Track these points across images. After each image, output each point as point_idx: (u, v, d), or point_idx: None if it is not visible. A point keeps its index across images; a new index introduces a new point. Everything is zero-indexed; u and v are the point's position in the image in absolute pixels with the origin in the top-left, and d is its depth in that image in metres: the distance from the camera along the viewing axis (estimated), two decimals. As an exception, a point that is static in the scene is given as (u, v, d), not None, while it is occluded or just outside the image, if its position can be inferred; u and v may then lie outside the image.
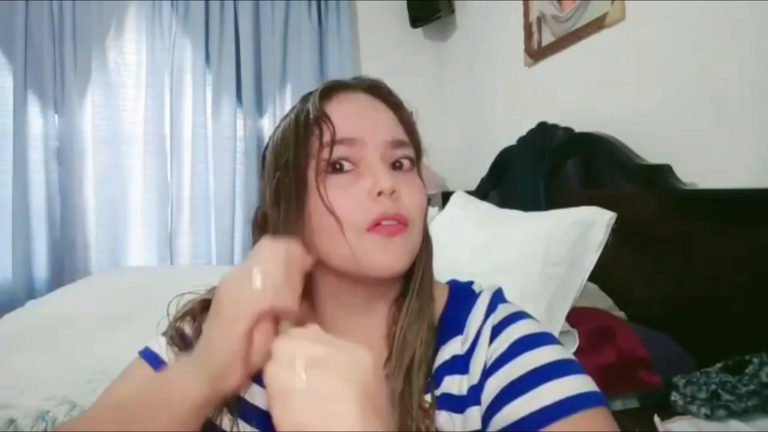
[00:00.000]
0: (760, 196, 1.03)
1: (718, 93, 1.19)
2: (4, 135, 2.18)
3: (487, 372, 0.46)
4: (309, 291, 0.54)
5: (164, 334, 0.55)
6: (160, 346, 0.54)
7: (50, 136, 2.25)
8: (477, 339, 0.48)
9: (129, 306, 1.38)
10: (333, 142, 0.47)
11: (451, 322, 0.51)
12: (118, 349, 1.10)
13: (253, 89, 2.46)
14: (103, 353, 1.10)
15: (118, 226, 2.34)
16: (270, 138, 0.55)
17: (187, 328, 0.54)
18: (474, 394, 0.46)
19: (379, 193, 0.47)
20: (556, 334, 1.07)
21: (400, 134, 0.51)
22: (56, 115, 2.26)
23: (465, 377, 0.47)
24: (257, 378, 0.50)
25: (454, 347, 0.49)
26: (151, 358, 0.53)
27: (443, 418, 0.46)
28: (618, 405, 1.08)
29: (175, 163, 2.40)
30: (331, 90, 0.51)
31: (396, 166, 0.50)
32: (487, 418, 0.44)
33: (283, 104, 2.54)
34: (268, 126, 2.53)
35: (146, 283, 1.66)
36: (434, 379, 0.48)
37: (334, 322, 0.52)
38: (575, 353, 1.07)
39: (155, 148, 2.36)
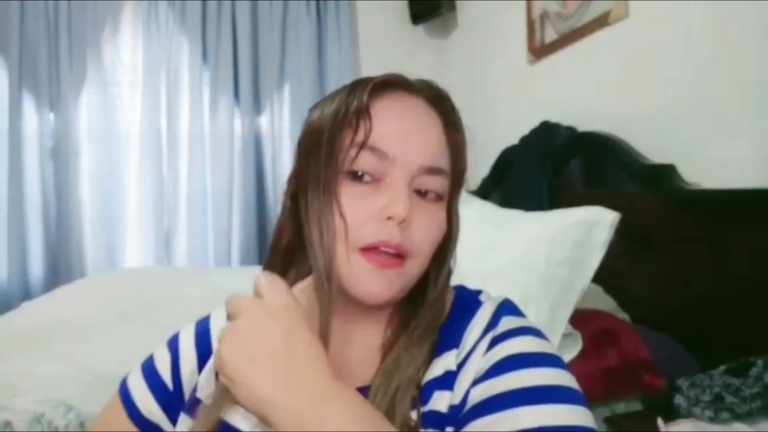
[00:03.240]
0: (765, 196, 1.02)
1: (722, 92, 1.18)
2: (-1, 133, 2.16)
3: (475, 382, 0.42)
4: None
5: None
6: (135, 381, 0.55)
7: (45, 134, 2.23)
8: (471, 352, 0.44)
9: (126, 307, 1.37)
10: (363, 145, 0.44)
11: (449, 335, 0.47)
12: (115, 350, 1.09)
13: (250, 87, 2.44)
14: (100, 355, 1.09)
15: (115, 226, 2.32)
16: (309, 113, 0.50)
17: None
18: (453, 413, 0.42)
19: (389, 218, 0.43)
20: (558, 336, 1.07)
21: (441, 161, 0.47)
22: (51, 114, 2.24)
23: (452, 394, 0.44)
24: None
25: (448, 361, 0.45)
26: (127, 400, 0.54)
27: None
28: (621, 408, 1.07)
29: (171, 162, 2.38)
30: (385, 85, 0.46)
31: (421, 192, 0.46)
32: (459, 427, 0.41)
33: (281, 102, 2.52)
34: (265, 125, 2.50)
35: (143, 284, 1.64)
36: (422, 394, 0.44)
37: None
38: (578, 356, 1.06)
39: (151, 147, 2.34)
